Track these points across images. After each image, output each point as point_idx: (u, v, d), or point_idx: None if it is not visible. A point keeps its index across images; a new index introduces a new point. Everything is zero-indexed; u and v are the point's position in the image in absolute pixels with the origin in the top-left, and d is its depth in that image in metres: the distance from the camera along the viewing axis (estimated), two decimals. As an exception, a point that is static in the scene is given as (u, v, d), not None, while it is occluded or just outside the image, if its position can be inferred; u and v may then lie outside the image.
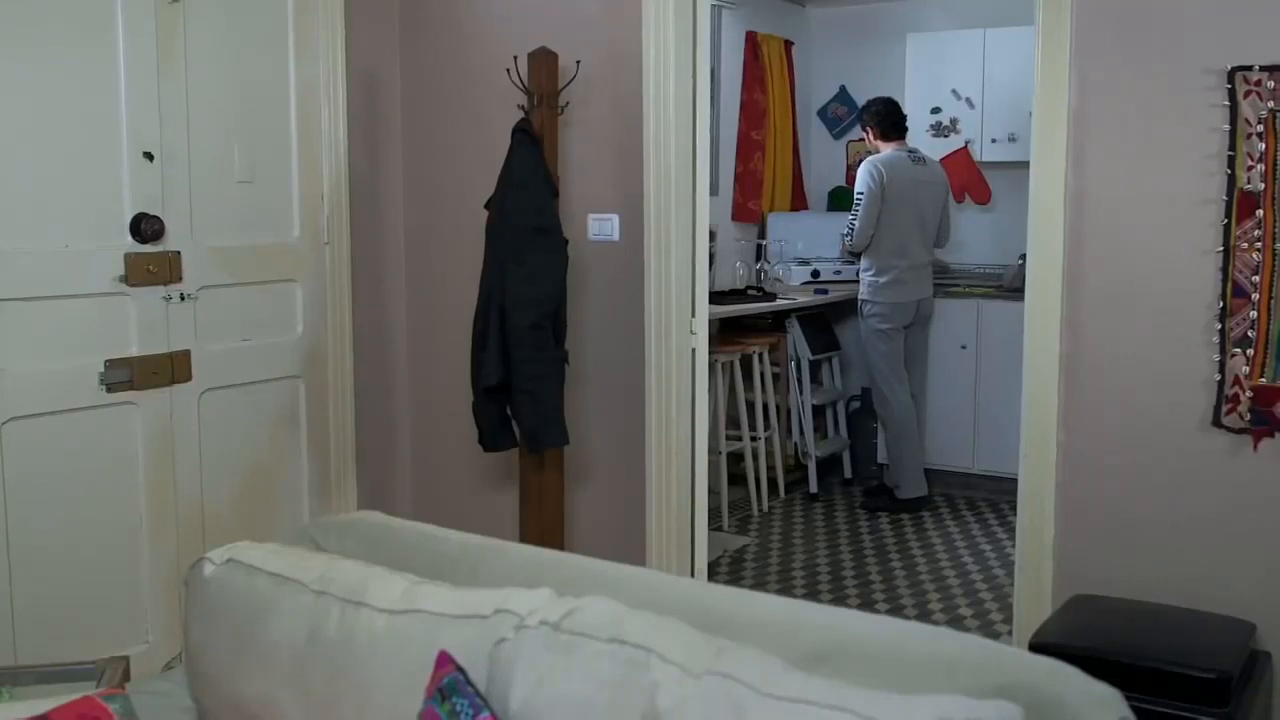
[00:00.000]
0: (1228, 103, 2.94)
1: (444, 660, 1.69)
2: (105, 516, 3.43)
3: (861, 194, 5.63)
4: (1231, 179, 2.95)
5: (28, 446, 3.23)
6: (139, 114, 3.44)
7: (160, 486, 3.55)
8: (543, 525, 3.66)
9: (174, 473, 3.59)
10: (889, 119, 5.78)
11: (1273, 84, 2.88)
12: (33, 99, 3.22)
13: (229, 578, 2.11)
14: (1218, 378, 3.02)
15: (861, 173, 5.68)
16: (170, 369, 3.55)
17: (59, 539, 3.32)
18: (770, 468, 6.03)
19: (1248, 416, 2.99)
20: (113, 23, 3.37)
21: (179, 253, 3.55)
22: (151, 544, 3.54)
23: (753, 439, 5.78)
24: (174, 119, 3.54)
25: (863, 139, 5.94)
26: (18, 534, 3.21)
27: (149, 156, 3.46)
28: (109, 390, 3.39)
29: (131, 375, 3.43)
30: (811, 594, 4.68)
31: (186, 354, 3.60)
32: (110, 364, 3.40)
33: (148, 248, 3.47)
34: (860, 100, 6.43)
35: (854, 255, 5.94)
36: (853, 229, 5.68)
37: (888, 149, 5.73)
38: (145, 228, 3.43)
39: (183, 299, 3.58)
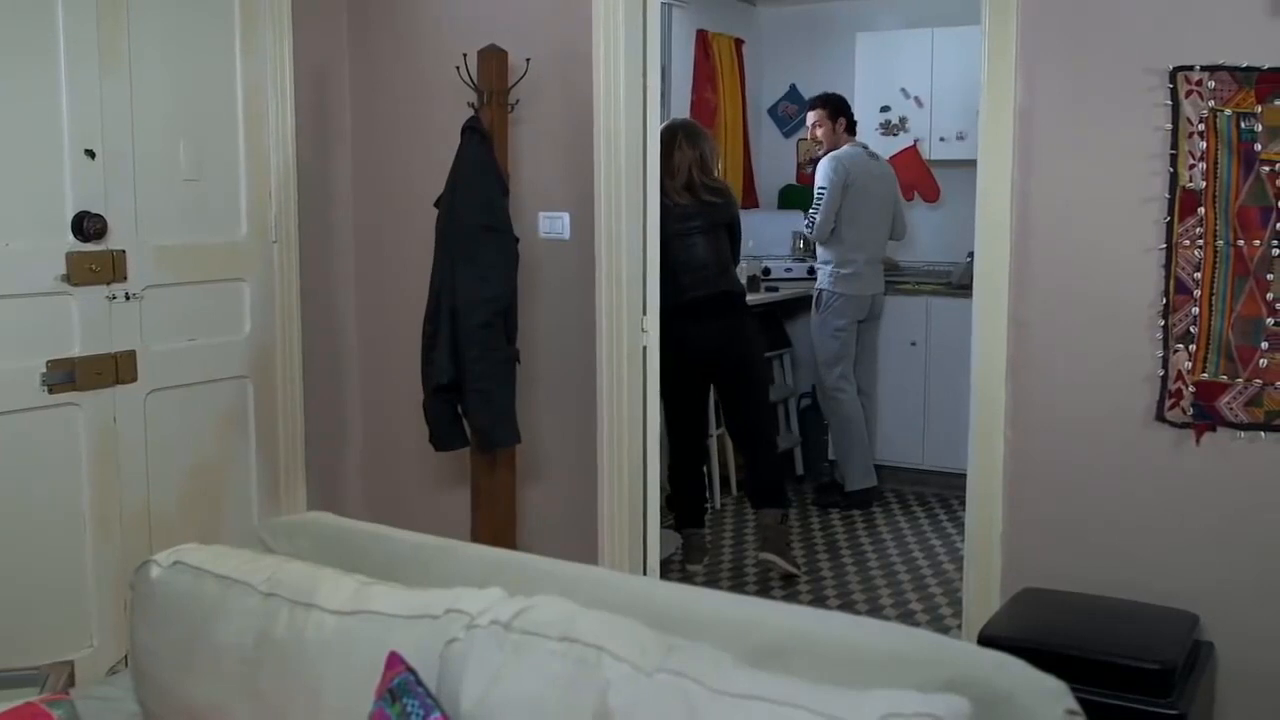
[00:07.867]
0: (1169, 102, 2.99)
1: (394, 661, 1.68)
2: (48, 519, 3.38)
3: (824, 188, 5.66)
4: (1174, 177, 3.00)
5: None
6: (80, 111, 3.38)
7: (105, 488, 3.50)
8: (494, 524, 3.65)
9: (119, 474, 3.54)
10: (850, 114, 5.85)
11: (1213, 84, 2.93)
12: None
13: (176, 580, 2.08)
14: (1161, 373, 3.06)
15: (824, 167, 5.71)
16: (114, 369, 3.49)
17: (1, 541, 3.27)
18: (722, 465, 6.04)
19: (1190, 411, 3.03)
20: (53, 18, 3.30)
21: (123, 251, 3.50)
22: (95, 546, 3.49)
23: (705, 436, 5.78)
24: (117, 116, 3.48)
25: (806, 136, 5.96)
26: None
27: (90, 154, 3.40)
28: (50, 391, 3.34)
29: (74, 376, 3.38)
30: (763, 591, 4.70)
31: (131, 354, 3.55)
32: (52, 364, 3.34)
33: (90, 246, 3.42)
34: (810, 99, 6.46)
35: (815, 248, 5.96)
36: (814, 222, 5.72)
37: (846, 144, 5.78)
38: (87, 226, 3.39)
39: (127, 298, 3.53)
